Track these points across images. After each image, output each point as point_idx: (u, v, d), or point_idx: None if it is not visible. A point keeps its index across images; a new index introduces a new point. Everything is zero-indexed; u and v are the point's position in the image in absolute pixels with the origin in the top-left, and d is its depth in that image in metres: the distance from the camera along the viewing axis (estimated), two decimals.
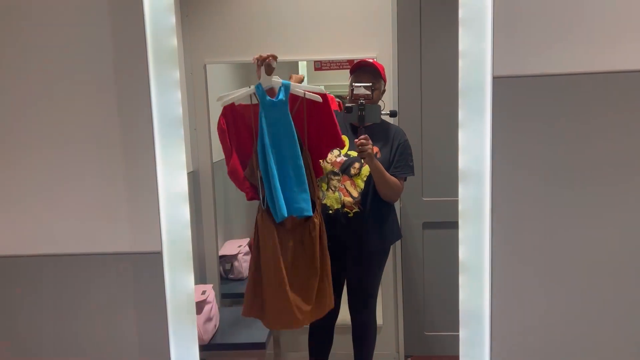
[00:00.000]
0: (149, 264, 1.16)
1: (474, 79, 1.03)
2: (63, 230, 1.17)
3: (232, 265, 3.03)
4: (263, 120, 1.77)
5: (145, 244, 1.16)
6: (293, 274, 1.91)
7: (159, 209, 1.12)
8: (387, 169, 2.11)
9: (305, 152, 1.89)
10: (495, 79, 1.04)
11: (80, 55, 1.11)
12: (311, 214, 1.87)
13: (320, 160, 2.13)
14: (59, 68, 1.12)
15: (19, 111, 1.14)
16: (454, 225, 2.62)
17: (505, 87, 1.05)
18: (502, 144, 1.06)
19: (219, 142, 1.94)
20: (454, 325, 2.66)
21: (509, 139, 1.06)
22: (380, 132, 2.16)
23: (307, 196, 1.85)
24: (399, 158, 2.15)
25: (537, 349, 1.12)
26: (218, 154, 2.82)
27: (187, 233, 1.14)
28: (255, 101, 1.82)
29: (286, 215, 1.80)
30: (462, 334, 1.09)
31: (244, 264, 3.05)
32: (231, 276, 3.01)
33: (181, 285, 1.14)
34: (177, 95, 1.11)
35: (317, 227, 1.91)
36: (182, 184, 1.13)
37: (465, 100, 1.05)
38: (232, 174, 1.94)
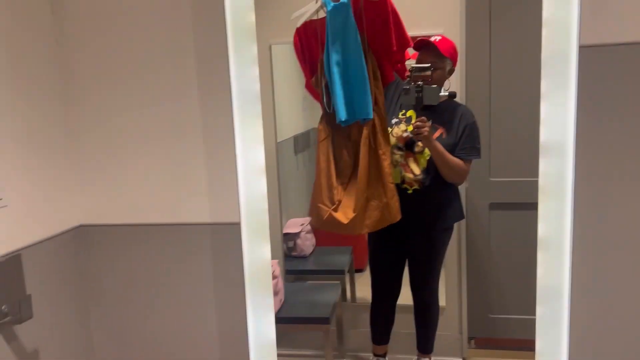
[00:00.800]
0: (228, 234, 1.21)
1: (558, 48, 0.99)
2: (148, 202, 1.23)
3: (294, 243, 3.09)
4: (329, 26, 1.80)
5: (224, 215, 1.21)
6: (345, 176, 1.98)
7: (237, 182, 1.16)
8: (453, 151, 2.07)
9: (369, 55, 1.88)
10: (582, 48, 0.99)
11: (162, 33, 1.16)
12: (371, 117, 1.89)
13: (390, 129, 2.11)
14: (143, 44, 1.17)
15: (109, 91, 1.21)
16: (522, 206, 2.57)
17: (592, 56, 1.00)
18: (588, 117, 1.02)
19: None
20: (521, 308, 2.62)
21: (596, 111, 1.02)
22: (447, 112, 2.12)
23: (369, 99, 1.86)
24: (466, 140, 2.10)
25: (618, 330, 1.08)
26: (280, 134, 2.86)
27: (264, 205, 1.17)
28: (323, 14, 1.84)
29: (345, 117, 1.85)
30: (539, 311, 1.07)
31: (306, 242, 3.11)
32: (294, 254, 3.08)
33: (258, 255, 1.18)
34: (255, 71, 1.13)
35: (376, 130, 1.93)
36: (259, 157, 1.16)
37: (548, 70, 1.01)
38: (308, 86, 2.07)
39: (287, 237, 3.03)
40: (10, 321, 1.02)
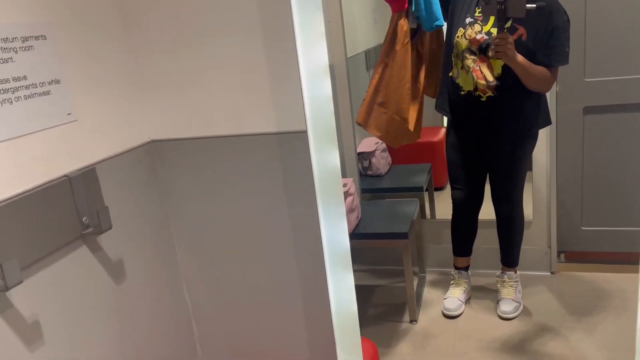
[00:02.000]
0: (295, 143, 1.16)
1: None
2: (216, 114, 1.21)
3: (369, 162, 3.03)
4: None
5: (290, 123, 1.16)
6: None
7: (301, 86, 1.09)
8: (534, 54, 1.85)
9: None
10: None
11: None
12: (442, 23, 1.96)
13: (458, 36, 1.95)
14: None
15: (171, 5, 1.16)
16: (621, 108, 2.31)
17: None
18: None
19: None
20: (615, 220, 2.42)
21: None
22: (534, 9, 1.87)
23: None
24: (554, 43, 1.85)
25: None
26: (352, 48, 2.73)
27: (330, 108, 1.10)
28: None
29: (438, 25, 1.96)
30: None
31: (381, 161, 3.03)
32: (369, 172, 3.02)
33: (327, 163, 1.13)
34: None
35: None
36: (322, 56, 1.08)
37: None
38: None
39: (362, 156, 2.96)
40: (92, 232, 1.05)
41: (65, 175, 1.01)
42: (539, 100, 2.01)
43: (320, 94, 1.10)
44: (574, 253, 2.56)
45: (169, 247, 1.32)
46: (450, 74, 2.07)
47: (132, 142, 1.21)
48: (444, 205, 2.85)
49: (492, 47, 1.84)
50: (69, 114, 1.03)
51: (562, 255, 2.57)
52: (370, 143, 2.99)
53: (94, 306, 1.08)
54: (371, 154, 2.98)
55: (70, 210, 1.01)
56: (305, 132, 1.13)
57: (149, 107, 1.24)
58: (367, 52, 3.07)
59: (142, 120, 1.24)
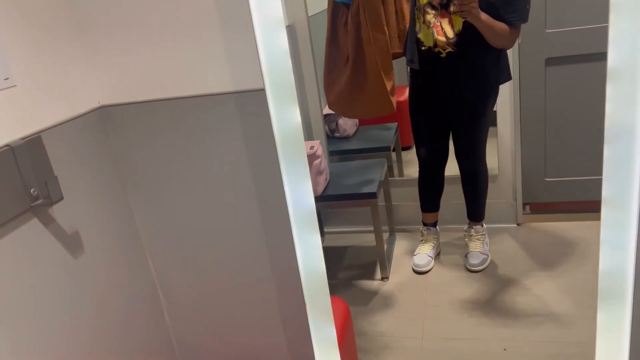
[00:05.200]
0: (253, 101, 1.12)
1: None
2: (169, 76, 1.15)
3: (336, 124, 2.99)
4: None
5: (247, 82, 1.11)
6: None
7: (256, 41, 1.04)
8: (497, 10, 1.82)
9: None
10: None
11: None
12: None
13: None
14: None
15: None
16: (582, 58, 2.32)
17: None
18: None
19: None
20: (578, 169, 2.47)
21: None
22: None
23: None
24: (515, 1, 1.83)
25: None
26: (314, 6, 2.65)
27: (288, 63, 1.06)
28: None
29: None
30: (607, 152, 0.94)
31: (348, 122, 3.00)
32: (337, 135, 2.99)
33: (288, 120, 1.09)
34: None
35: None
36: (276, 8, 1.02)
37: None
38: None
39: (328, 118, 2.93)
40: (43, 204, 1.00)
41: (7, 145, 0.94)
42: (499, 55, 2.00)
43: (276, 48, 1.05)
44: (539, 204, 2.62)
45: (129, 216, 1.27)
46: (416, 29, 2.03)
47: (80, 108, 1.15)
48: (411, 164, 2.86)
49: (454, 2, 1.81)
50: (6, 78, 0.96)
51: (528, 207, 2.62)
52: None
53: (51, 281, 1.03)
54: (337, 115, 2.94)
55: (15, 182, 0.95)
56: (263, 90, 1.09)
57: (96, 71, 1.17)
58: None
59: (89, 84, 1.17)
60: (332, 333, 1.24)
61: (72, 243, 1.09)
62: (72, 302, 1.08)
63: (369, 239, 2.63)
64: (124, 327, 1.23)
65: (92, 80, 1.17)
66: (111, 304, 1.20)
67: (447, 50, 1.95)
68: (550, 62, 2.35)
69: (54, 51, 1.08)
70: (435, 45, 1.96)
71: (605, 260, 1.00)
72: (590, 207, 2.48)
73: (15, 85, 0.98)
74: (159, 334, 1.36)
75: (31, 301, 0.98)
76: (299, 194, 1.14)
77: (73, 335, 1.08)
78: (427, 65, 2.04)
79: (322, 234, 2.76)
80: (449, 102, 2.10)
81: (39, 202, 0.99)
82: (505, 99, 2.33)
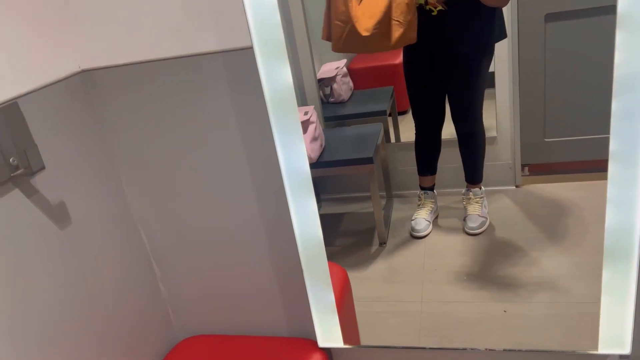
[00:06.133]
0: (242, 60, 1.06)
1: None
2: (150, 35, 1.09)
3: (331, 88, 2.92)
4: None
5: (234, 40, 1.05)
6: None
7: None
8: None
9: None
10: None
11: None
12: None
13: None
14: None
15: None
16: (582, 13, 2.23)
17: None
18: None
19: None
20: (578, 129, 2.42)
21: None
22: None
23: None
24: None
25: None
26: None
27: (277, 19, 0.99)
28: None
29: None
30: (615, 105, 0.90)
31: (343, 87, 2.93)
32: (332, 100, 2.92)
33: (279, 80, 1.04)
34: None
35: None
36: None
37: None
38: None
39: (323, 82, 2.85)
40: (23, 174, 0.95)
41: None
42: (493, 12, 1.94)
43: (264, 3, 0.98)
44: (538, 165, 2.57)
45: (116, 183, 1.23)
46: None
47: (60, 73, 1.09)
48: (408, 129, 2.81)
49: None
50: None
51: (526, 169, 2.58)
52: (330, 69, 2.87)
53: (37, 253, 0.99)
54: (332, 79, 2.87)
55: None
56: (251, 48, 1.03)
57: (75, 33, 1.11)
58: None
59: (69, 48, 1.11)
60: (330, 299, 1.22)
61: (57, 214, 1.05)
62: (60, 275, 1.04)
63: (367, 206, 2.60)
64: (117, 298, 1.20)
65: (71, 44, 1.11)
66: (102, 275, 1.16)
67: (438, 8, 1.89)
68: (549, 17, 2.27)
69: (30, 13, 1.01)
70: (427, 2, 1.90)
71: (611, 217, 0.96)
72: (590, 166, 2.44)
73: None
74: (154, 304, 1.34)
75: (17, 276, 0.95)
76: (293, 158, 1.10)
77: (63, 309, 1.04)
78: (421, 23, 1.97)
79: (319, 200, 2.72)
80: (442, 62, 2.05)
81: (19, 172, 0.94)
82: (504, 56, 2.26)
